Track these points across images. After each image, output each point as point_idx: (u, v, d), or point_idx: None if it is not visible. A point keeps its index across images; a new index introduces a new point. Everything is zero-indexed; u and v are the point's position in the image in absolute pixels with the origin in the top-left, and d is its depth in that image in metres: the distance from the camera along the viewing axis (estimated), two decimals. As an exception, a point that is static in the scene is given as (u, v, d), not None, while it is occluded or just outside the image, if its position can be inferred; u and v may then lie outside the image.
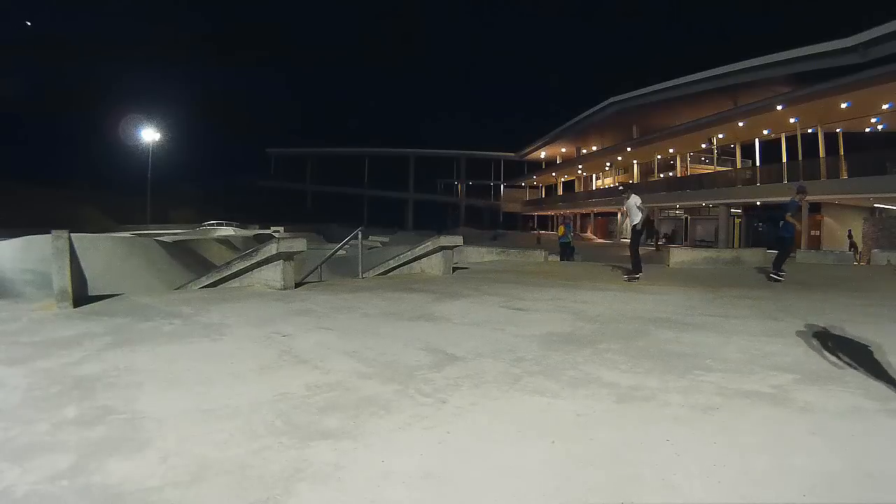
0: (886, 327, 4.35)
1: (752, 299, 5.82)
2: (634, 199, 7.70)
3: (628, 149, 34.51)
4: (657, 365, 3.10)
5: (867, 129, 22.41)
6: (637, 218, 7.52)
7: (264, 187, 62.11)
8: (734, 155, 29.20)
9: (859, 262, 11.02)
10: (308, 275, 7.63)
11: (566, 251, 14.12)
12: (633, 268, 7.68)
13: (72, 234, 4.68)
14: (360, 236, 8.00)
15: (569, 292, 6.22)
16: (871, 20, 17.30)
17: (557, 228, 15.50)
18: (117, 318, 4.18)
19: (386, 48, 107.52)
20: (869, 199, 18.76)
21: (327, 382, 2.71)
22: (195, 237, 20.39)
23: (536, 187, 58.84)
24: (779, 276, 7.72)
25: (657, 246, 13.99)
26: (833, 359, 3.28)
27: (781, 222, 7.87)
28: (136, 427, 2.11)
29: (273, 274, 6.04)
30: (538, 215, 56.72)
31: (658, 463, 1.86)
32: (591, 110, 35.07)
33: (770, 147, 25.73)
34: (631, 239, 7.87)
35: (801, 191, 8.05)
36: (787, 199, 8.10)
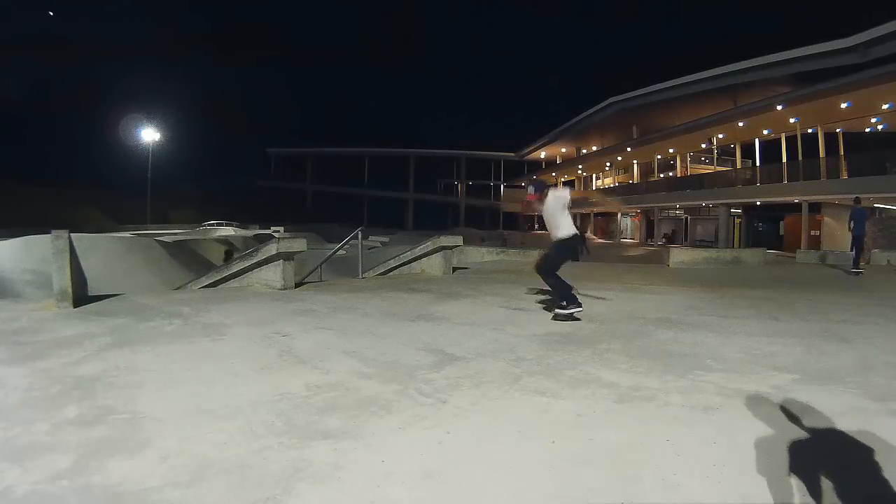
0: (886, 326, 4.36)
1: (752, 299, 5.82)
2: (556, 195, 4.75)
3: (628, 149, 34.51)
4: (657, 365, 3.10)
5: (867, 129, 22.39)
6: (564, 222, 4.67)
7: (264, 187, 62.09)
8: (734, 155, 29.18)
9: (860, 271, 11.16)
10: (308, 275, 7.63)
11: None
12: (560, 297, 4.50)
13: (72, 234, 4.68)
14: (360, 236, 8.00)
15: (569, 292, 6.21)
16: (871, 20, 17.31)
17: None
18: (117, 318, 4.18)
19: (386, 48, 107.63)
20: (869, 199, 18.74)
21: (327, 382, 2.71)
22: (195, 237, 20.41)
23: (536, 187, 58.76)
24: (858, 270, 9.37)
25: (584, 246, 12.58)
26: (833, 359, 3.28)
27: (852, 224, 9.71)
28: (136, 427, 2.11)
29: (273, 274, 6.04)
30: (538, 215, 56.70)
31: (658, 463, 1.86)
32: (591, 110, 35.05)
33: (770, 147, 25.71)
34: (551, 251, 4.72)
35: (858, 201, 10.37)
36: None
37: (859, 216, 9.79)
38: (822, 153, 21.27)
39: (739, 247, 23.27)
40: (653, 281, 7.76)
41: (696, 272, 9.50)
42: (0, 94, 36.34)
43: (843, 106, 19.37)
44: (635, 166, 38.27)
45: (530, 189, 4.88)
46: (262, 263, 6.09)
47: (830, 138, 21.64)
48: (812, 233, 21.60)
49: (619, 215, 40.04)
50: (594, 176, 46.37)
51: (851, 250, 9.91)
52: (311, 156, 64.16)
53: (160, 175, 39.92)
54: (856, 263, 9.54)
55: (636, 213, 37.50)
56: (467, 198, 61.86)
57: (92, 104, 49.52)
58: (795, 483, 1.73)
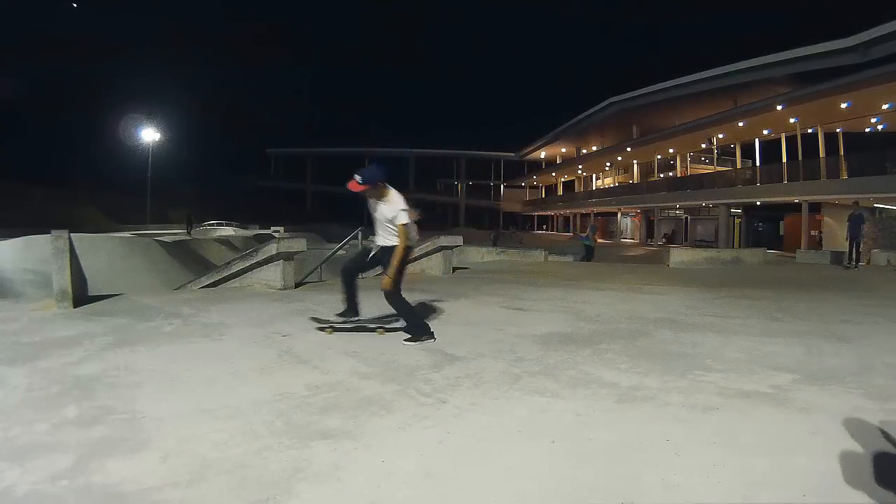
0: (886, 326, 4.36)
1: (752, 299, 5.82)
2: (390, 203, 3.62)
3: (628, 149, 34.50)
4: (657, 365, 3.10)
5: (867, 129, 22.39)
6: (395, 220, 3.56)
7: (264, 187, 62.13)
8: (734, 155, 29.19)
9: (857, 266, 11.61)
10: (308, 275, 7.62)
11: (589, 253, 14.46)
12: (414, 327, 3.70)
13: (72, 234, 4.68)
14: (360, 236, 8.00)
15: (569, 292, 6.22)
16: (870, 19, 17.31)
17: (586, 231, 16.06)
18: (117, 318, 4.18)
19: (387, 48, 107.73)
20: (869, 199, 18.74)
21: (327, 382, 2.71)
22: (195, 237, 20.41)
23: (536, 187, 58.86)
24: (857, 265, 11.18)
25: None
26: (833, 359, 3.28)
27: (860, 227, 11.33)
28: (135, 427, 2.11)
29: (273, 274, 6.04)
30: (538, 215, 56.78)
31: (658, 463, 1.86)
32: (591, 110, 35.06)
33: (770, 147, 25.71)
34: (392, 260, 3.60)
35: (856, 204, 12.53)
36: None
37: (854, 220, 11.38)
38: (822, 153, 21.26)
39: (739, 247, 23.28)
40: (653, 281, 7.76)
41: (696, 272, 9.50)
42: (1, 94, 36.23)
43: (843, 106, 19.37)
44: (635, 166, 38.26)
45: (368, 176, 3.54)
46: (262, 263, 6.09)
47: (830, 138, 21.64)
48: (812, 233, 21.60)
49: (619, 215, 40.03)
50: (594, 176, 46.35)
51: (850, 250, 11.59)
52: (311, 156, 64.21)
53: (160, 175, 39.85)
54: (848, 259, 11.39)
55: (636, 213, 37.51)
56: (467, 198, 61.85)
57: (92, 104, 49.45)
58: (795, 483, 1.73)
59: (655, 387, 2.69)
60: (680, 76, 26.04)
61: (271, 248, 5.93)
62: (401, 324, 3.83)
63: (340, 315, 3.86)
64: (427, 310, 4.83)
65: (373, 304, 4.23)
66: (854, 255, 11.35)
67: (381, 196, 3.64)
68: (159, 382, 2.67)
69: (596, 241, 15.51)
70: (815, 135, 21.88)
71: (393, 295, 3.64)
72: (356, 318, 3.89)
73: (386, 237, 3.72)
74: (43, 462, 1.80)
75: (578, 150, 44.63)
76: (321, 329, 3.83)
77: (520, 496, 1.65)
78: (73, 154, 44.24)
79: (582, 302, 5.46)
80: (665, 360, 3.19)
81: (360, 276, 4.06)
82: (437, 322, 4.31)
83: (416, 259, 8.22)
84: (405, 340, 3.60)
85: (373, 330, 3.82)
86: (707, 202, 28.27)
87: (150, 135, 39.36)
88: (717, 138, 28.62)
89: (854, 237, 11.24)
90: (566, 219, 50.53)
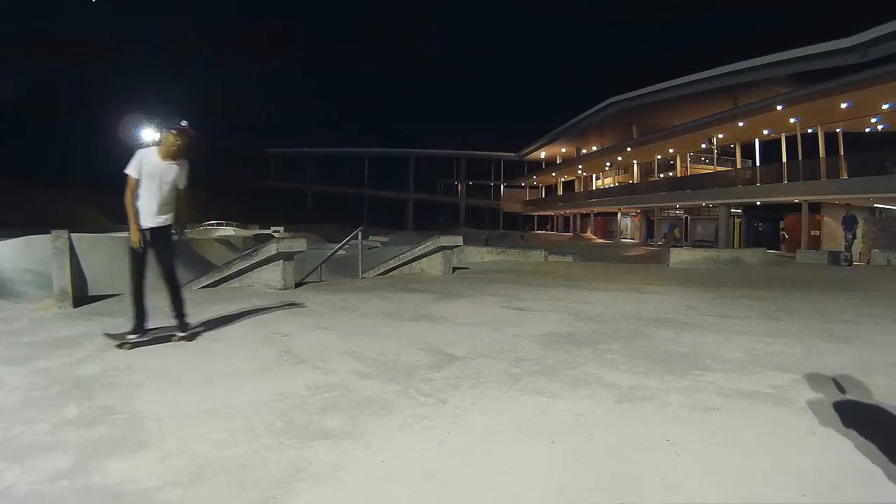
0: (886, 326, 4.36)
1: (752, 299, 5.82)
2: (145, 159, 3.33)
3: (628, 149, 34.48)
4: (657, 365, 3.10)
5: (867, 129, 22.37)
6: (181, 182, 3.47)
7: (264, 187, 62.06)
8: (734, 155, 29.18)
9: (852, 264, 11.93)
10: (308, 275, 7.63)
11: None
12: (136, 320, 3.44)
13: (72, 234, 4.68)
14: (360, 236, 8.00)
15: (569, 292, 6.22)
16: (870, 19, 17.29)
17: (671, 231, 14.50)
18: (117, 318, 4.18)
19: (388, 49, 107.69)
20: (869, 199, 18.73)
21: (327, 382, 2.71)
22: (195, 237, 20.40)
23: (536, 187, 58.84)
24: (851, 263, 12.12)
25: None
26: (833, 359, 3.28)
27: (853, 227, 12.71)
28: (135, 427, 2.11)
29: (273, 274, 6.04)
30: (538, 215, 56.79)
31: (658, 463, 1.86)
32: (591, 110, 35.03)
33: (770, 147, 25.70)
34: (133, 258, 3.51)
35: (848, 204, 13.49)
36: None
37: (848, 221, 12.49)
38: (822, 153, 21.25)
39: (739, 247, 23.28)
40: (653, 281, 7.76)
41: (697, 272, 9.50)
42: (1, 94, 36.30)
43: (843, 106, 19.36)
44: (635, 166, 38.25)
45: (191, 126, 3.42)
46: (262, 263, 6.09)
47: (830, 138, 21.63)
48: (812, 233, 21.60)
49: (619, 215, 40.05)
50: (594, 176, 46.36)
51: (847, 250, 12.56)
52: (311, 156, 64.14)
53: (160, 175, 39.80)
54: (846, 258, 12.13)
55: (636, 213, 37.51)
56: (467, 198, 61.80)
57: (92, 104, 49.46)
58: (795, 483, 1.73)
59: (655, 387, 2.69)
60: (680, 76, 26.01)
61: (271, 248, 5.93)
62: (201, 327, 3.71)
63: (132, 332, 3.39)
64: (427, 310, 4.84)
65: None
66: (849, 254, 12.44)
67: (179, 156, 3.37)
68: (159, 382, 2.67)
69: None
70: (815, 135, 21.87)
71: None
72: (153, 329, 3.56)
73: (164, 212, 3.38)
74: (43, 462, 1.80)
75: (578, 150, 44.61)
76: (119, 347, 3.29)
77: (520, 496, 1.65)
78: (73, 154, 44.23)
79: (582, 302, 5.46)
80: (665, 360, 3.19)
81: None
82: (438, 322, 4.31)
83: (418, 258, 8.23)
84: (184, 337, 3.51)
85: (169, 339, 3.52)
86: (707, 202, 28.27)
87: (150, 135, 39.34)
88: (717, 138, 28.61)
89: (851, 238, 12.46)
90: (566, 219, 50.52)
